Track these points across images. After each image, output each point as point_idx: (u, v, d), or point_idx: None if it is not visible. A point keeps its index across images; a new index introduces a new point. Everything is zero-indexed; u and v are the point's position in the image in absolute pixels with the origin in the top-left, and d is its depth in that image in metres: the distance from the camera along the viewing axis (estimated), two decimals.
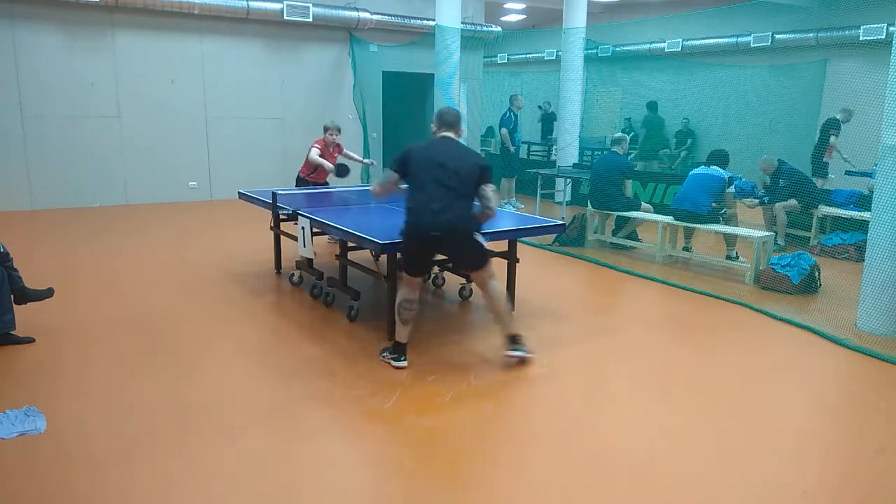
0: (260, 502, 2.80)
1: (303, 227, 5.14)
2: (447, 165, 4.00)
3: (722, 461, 3.20)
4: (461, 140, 4.29)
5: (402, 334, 4.17)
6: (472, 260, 4.18)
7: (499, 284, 4.24)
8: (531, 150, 14.83)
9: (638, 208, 7.58)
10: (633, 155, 12.63)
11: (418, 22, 11.55)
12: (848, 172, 9.52)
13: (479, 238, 4.10)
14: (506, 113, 10.27)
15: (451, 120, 4.25)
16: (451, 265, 5.48)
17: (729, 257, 6.88)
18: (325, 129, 7.12)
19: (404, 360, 4.17)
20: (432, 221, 3.95)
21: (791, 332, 5.08)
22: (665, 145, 14.50)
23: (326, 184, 7.33)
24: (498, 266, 5.29)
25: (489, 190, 4.06)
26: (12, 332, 4.34)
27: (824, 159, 9.37)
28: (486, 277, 4.17)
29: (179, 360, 4.28)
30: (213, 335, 4.74)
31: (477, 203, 4.09)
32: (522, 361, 4.25)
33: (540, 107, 15.18)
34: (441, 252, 4.17)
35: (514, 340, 4.25)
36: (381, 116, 11.94)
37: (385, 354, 4.23)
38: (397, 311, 4.14)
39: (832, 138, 9.22)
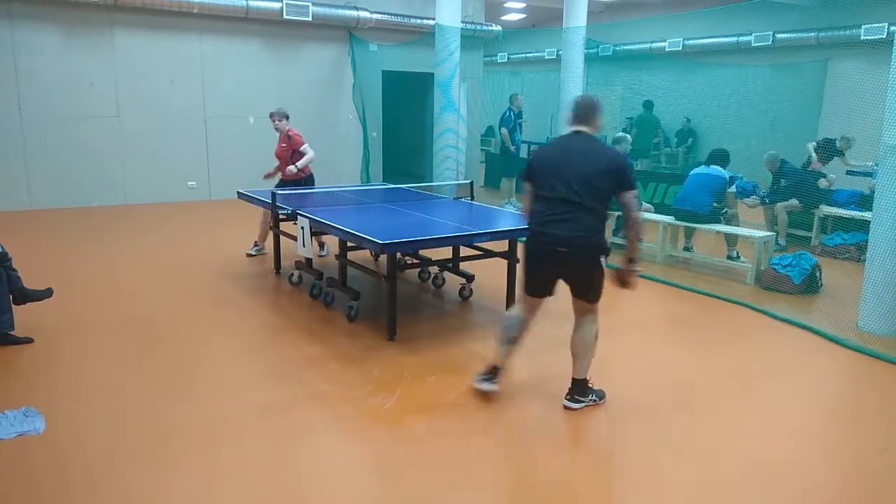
0: (259, 502, 2.79)
1: (302, 227, 5.13)
2: (572, 170, 3.43)
3: (722, 461, 3.19)
4: (596, 135, 3.65)
5: (497, 354, 3.78)
6: (584, 287, 3.60)
7: (596, 321, 3.70)
8: (531, 150, 14.81)
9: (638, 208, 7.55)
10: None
11: (418, 21, 11.53)
12: (849, 172, 9.50)
13: (602, 264, 3.52)
14: (506, 112, 10.25)
15: (583, 112, 3.60)
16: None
17: (730, 257, 6.87)
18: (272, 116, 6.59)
19: (493, 382, 3.75)
20: (556, 236, 3.44)
21: (792, 332, 5.06)
22: (658, 146, 14.49)
23: (302, 182, 6.72)
24: (498, 266, 5.30)
25: (628, 196, 3.46)
26: (11, 333, 4.33)
27: (811, 168, 9.24)
28: (587, 312, 3.66)
29: (178, 360, 4.26)
30: (213, 335, 4.73)
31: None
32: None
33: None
34: (560, 271, 3.58)
35: (575, 387, 3.71)
36: (381, 116, 11.93)
37: (477, 378, 3.80)
38: (501, 328, 3.78)
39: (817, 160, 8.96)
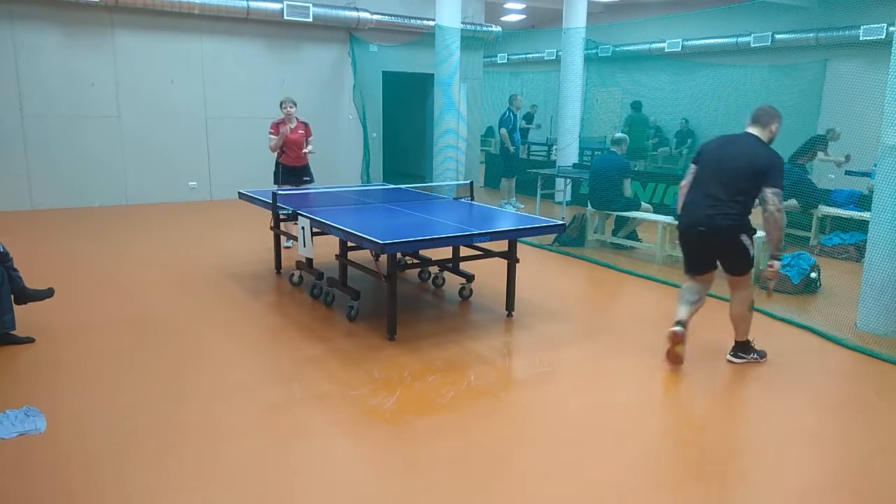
0: (259, 502, 2.80)
1: (303, 227, 5.14)
2: (725, 162, 3.97)
3: (722, 461, 3.20)
4: (765, 137, 4.09)
5: (681, 312, 4.25)
6: (732, 264, 4.13)
7: (747, 297, 4.20)
8: (531, 150, 14.83)
9: (638, 208, 7.58)
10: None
11: (418, 22, 11.55)
12: (848, 172, 9.52)
13: (746, 242, 4.01)
14: (505, 113, 10.27)
15: (758, 115, 4.11)
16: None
17: None
18: (281, 104, 7.00)
19: (679, 327, 4.18)
20: (698, 216, 4.01)
21: (791, 331, 5.08)
22: (655, 146, 14.49)
23: (306, 167, 7.20)
24: (498, 266, 5.32)
25: (768, 193, 3.90)
26: (12, 332, 4.34)
27: (799, 161, 9.42)
28: (738, 285, 4.17)
29: (179, 359, 4.28)
30: (213, 335, 4.74)
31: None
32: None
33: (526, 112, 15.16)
34: (711, 251, 4.13)
35: (737, 346, 4.33)
36: (381, 116, 11.94)
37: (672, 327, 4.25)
38: (680, 294, 4.32)
39: (820, 154, 9.21)
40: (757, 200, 4.02)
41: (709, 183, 4.02)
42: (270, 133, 7.02)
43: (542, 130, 15.64)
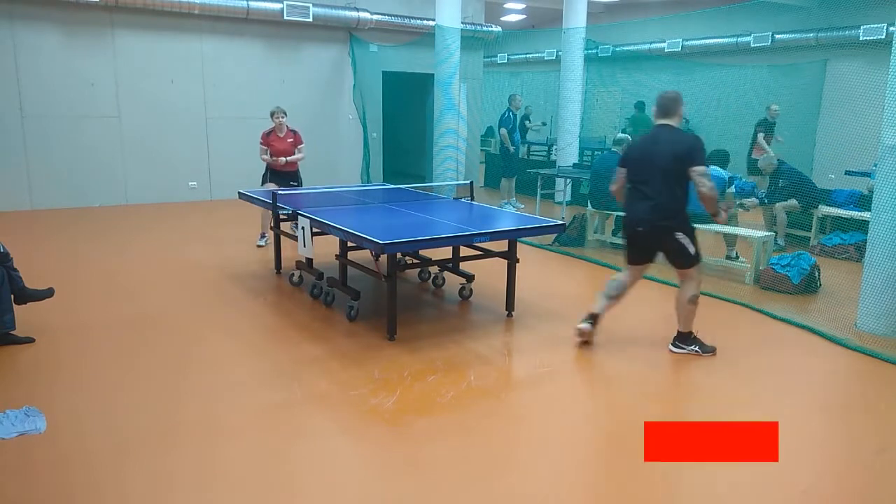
0: (259, 502, 2.80)
1: (303, 227, 5.14)
2: (651, 161, 4.09)
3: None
4: (676, 124, 4.21)
5: (598, 305, 4.50)
6: (673, 259, 4.30)
7: (691, 290, 4.31)
8: (531, 150, 14.82)
9: None
10: None
11: (418, 22, 11.55)
12: (848, 172, 9.53)
13: (683, 239, 4.16)
14: (505, 113, 10.27)
15: (665, 105, 4.20)
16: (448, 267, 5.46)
17: (729, 257, 6.88)
18: (272, 115, 7.14)
19: (587, 323, 4.46)
20: (638, 217, 4.20)
21: (791, 332, 5.08)
22: None
23: (295, 172, 7.33)
24: (498, 266, 5.32)
25: (696, 173, 4.02)
26: (12, 332, 4.34)
27: (753, 156, 9.70)
28: (683, 276, 4.32)
29: (179, 360, 4.28)
30: (213, 335, 4.74)
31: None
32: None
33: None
34: (651, 247, 4.32)
35: (678, 336, 4.46)
36: (381, 116, 11.94)
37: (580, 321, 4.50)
38: (607, 286, 4.50)
39: (759, 136, 9.82)
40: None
41: (643, 184, 4.17)
42: (261, 144, 7.16)
43: (541, 130, 15.62)
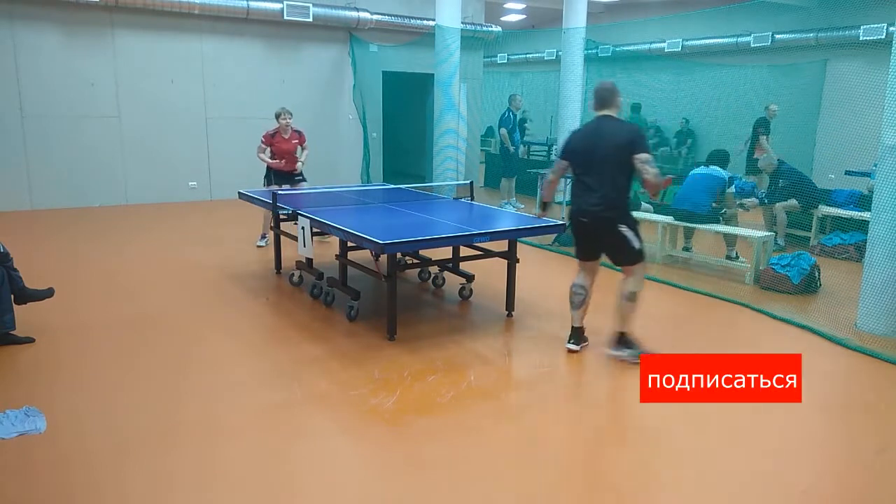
0: (259, 502, 2.80)
1: (303, 227, 5.14)
2: (594, 152, 4.03)
3: (722, 461, 3.20)
4: (616, 113, 4.19)
5: (573, 318, 4.41)
6: (615, 254, 4.23)
7: (633, 285, 4.20)
8: (531, 150, 14.81)
9: (638, 208, 7.58)
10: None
11: (418, 22, 11.54)
12: (847, 172, 9.52)
13: (626, 232, 4.07)
14: (505, 113, 10.27)
15: (603, 96, 4.16)
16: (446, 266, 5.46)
17: (729, 257, 6.88)
18: (277, 116, 7.05)
19: (574, 342, 4.38)
20: (582, 208, 4.11)
21: (791, 332, 5.07)
22: (656, 146, 14.46)
23: (297, 172, 7.25)
24: (498, 266, 5.31)
25: (640, 160, 3.94)
26: (12, 332, 4.34)
27: (755, 156, 9.72)
28: (628, 274, 4.20)
29: (179, 360, 4.28)
30: (213, 335, 4.74)
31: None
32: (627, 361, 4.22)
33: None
34: (595, 240, 4.22)
35: (618, 340, 4.29)
36: (381, 116, 11.93)
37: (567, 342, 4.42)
38: (569, 296, 4.37)
39: (761, 137, 9.70)
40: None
41: (586, 175, 4.11)
42: (262, 143, 7.08)
43: (541, 130, 15.62)
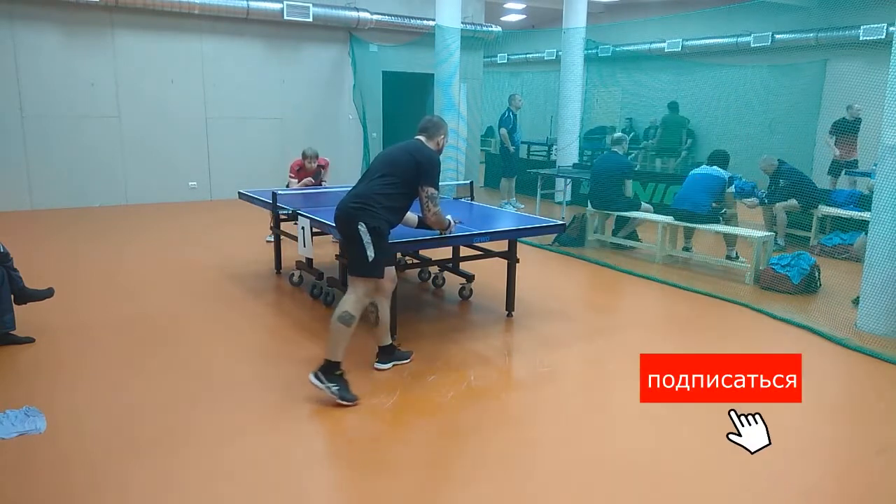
0: (259, 502, 2.80)
1: (303, 227, 5.14)
2: (381, 161, 3.92)
3: (723, 461, 3.20)
4: (432, 146, 4.01)
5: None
6: (350, 257, 3.73)
7: (349, 304, 3.66)
8: (531, 150, 14.82)
9: (638, 208, 7.58)
10: (633, 155, 12.64)
11: (418, 22, 11.54)
12: (847, 172, 9.53)
13: (362, 231, 3.59)
14: (505, 113, 10.27)
15: (425, 125, 4.08)
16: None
17: (729, 257, 6.88)
18: (305, 157, 7.15)
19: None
20: (338, 206, 3.79)
21: (791, 332, 5.07)
22: (680, 148, 14.41)
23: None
24: (498, 266, 5.31)
25: (424, 195, 3.84)
26: (12, 332, 4.34)
27: (835, 158, 9.66)
28: (350, 285, 3.71)
29: (179, 360, 4.28)
30: (213, 335, 4.74)
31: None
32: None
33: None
34: (345, 242, 3.88)
35: (322, 366, 3.67)
36: (381, 116, 11.94)
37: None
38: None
39: (832, 139, 9.61)
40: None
41: (360, 181, 3.90)
42: (290, 176, 7.24)
43: (541, 130, 15.61)
